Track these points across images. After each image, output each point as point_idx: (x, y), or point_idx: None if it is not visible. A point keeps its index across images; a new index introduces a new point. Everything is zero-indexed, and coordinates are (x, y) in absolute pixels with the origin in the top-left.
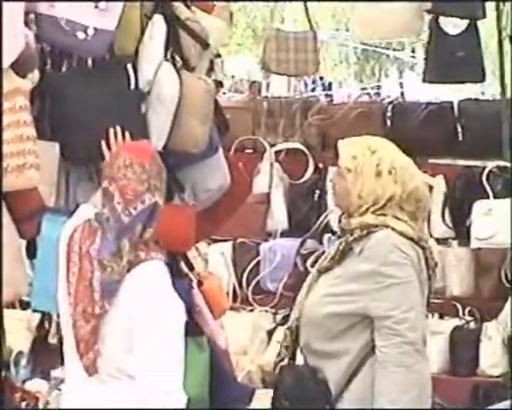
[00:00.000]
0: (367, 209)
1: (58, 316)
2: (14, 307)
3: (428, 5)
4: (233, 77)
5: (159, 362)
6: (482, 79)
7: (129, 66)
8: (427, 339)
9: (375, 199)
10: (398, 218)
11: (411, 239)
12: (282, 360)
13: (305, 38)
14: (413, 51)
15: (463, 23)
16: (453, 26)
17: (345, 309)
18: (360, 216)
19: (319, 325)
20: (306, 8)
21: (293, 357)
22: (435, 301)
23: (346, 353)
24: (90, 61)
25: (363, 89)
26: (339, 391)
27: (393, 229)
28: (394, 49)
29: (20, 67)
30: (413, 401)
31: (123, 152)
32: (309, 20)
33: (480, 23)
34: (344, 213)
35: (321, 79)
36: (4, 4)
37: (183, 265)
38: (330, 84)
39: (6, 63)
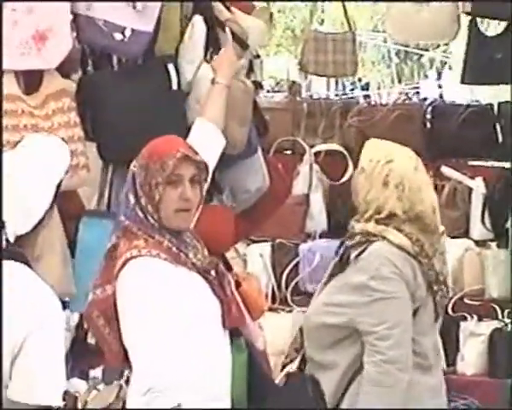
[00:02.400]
0: (371, 216)
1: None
2: None
3: (468, 7)
4: (272, 78)
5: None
6: None
7: (170, 66)
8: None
9: (378, 208)
10: (399, 229)
11: (408, 253)
12: (291, 361)
13: (344, 40)
14: (447, 52)
15: (502, 25)
16: (492, 27)
17: (334, 321)
18: (365, 222)
19: (313, 333)
20: (345, 10)
21: (303, 360)
22: (474, 303)
23: (337, 365)
24: (130, 62)
25: (401, 91)
26: (333, 405)
27: (390, 241)
28: (428, 49)
29: (64, 68)
30: None
31: (144, 154)
32: (348, 22)
33: None
34: (354, 216)
35: (359, 80)
36: (51, 4)
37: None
38: (368, 84)
39: (54, 64)
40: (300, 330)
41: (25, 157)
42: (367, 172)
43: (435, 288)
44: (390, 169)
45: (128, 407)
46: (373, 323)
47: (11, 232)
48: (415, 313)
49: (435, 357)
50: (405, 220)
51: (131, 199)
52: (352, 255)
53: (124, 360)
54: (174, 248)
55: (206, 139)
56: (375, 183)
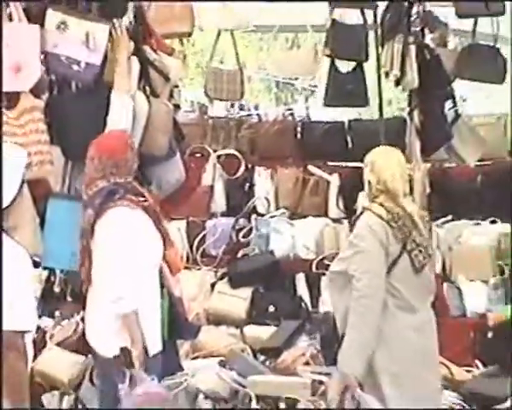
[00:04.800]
0: (367, 195)
1: (61, 271)
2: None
3: (327, 51)
4: (187, 101)
5: (106, 277)
6: (366, 104)
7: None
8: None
9: (365, 185)
10: (381, 204)
11: (383, 219)
12: None
13: (235, 74)
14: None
15: (352, 64)
16: (345, 65)
17: (339, 269)
18: (367, 201)
19: (330, 279)
20: (237, 54)
21: None
22: (331, 263)
23: (341, 306)
24: (84, 87)
25: (279, 111)
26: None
27: (373, 212)
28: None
29: (36, 90)
30: (364, 338)
31: (91, 148)
32: (238, 62)
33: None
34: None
35: (248, 103)
36: (24, 40)
37: None
38: (257, 107)
39: (28, 87)
40: None
41: None
42: (364, 166)
43: (409, 247)
44: (368, 159)
45: (99, 310)
46: (354, 268)
47: None
48: (394, 264)
49: (418, 301)
50: (381, 190)
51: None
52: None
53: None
54: (133, 197)
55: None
56: (365, 169)
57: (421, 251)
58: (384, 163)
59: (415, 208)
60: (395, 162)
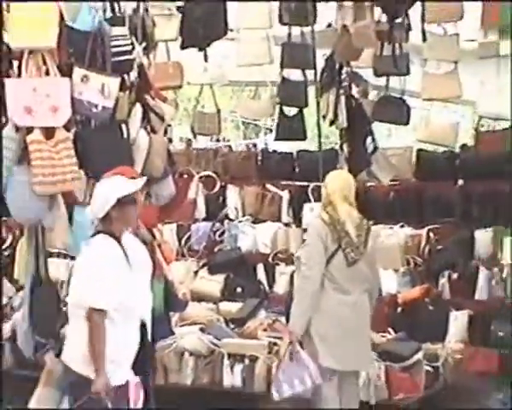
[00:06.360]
0: (321, 205)
1: None
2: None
3: (278, 99)
4: (177, 136)
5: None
6: (304, 139)
7: (123, 126)
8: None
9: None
10: (327, 212)
11: (325, 223)
12: None
13: (213, 116)
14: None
15: (295, 109)
16: (289, 110)
17: (298, 255)
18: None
19: (294, 263)
20: (215, 101)
21: None
22: (283, 256)
23: None
24: (101, 123)
25: (245, 144)
26: None
27: (320, 217)
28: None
29: (67, 126)
30: (303, 307)
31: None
32: (216, 107)
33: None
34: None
35: (223, 138)
36: (59, 89)
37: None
38: (229, 140)
39: (61, 123)
40: None
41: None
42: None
43: (343, 245)
44: (326, 180)
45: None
46: (302, 255)
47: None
48: (332, 257)
49: (351, 286)
50: (327, 204)
51: None
52: None
53: None
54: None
55: None
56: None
57: (352, 250)
58: (330, 181)
59: (352, 218)
60: (338, 181)
